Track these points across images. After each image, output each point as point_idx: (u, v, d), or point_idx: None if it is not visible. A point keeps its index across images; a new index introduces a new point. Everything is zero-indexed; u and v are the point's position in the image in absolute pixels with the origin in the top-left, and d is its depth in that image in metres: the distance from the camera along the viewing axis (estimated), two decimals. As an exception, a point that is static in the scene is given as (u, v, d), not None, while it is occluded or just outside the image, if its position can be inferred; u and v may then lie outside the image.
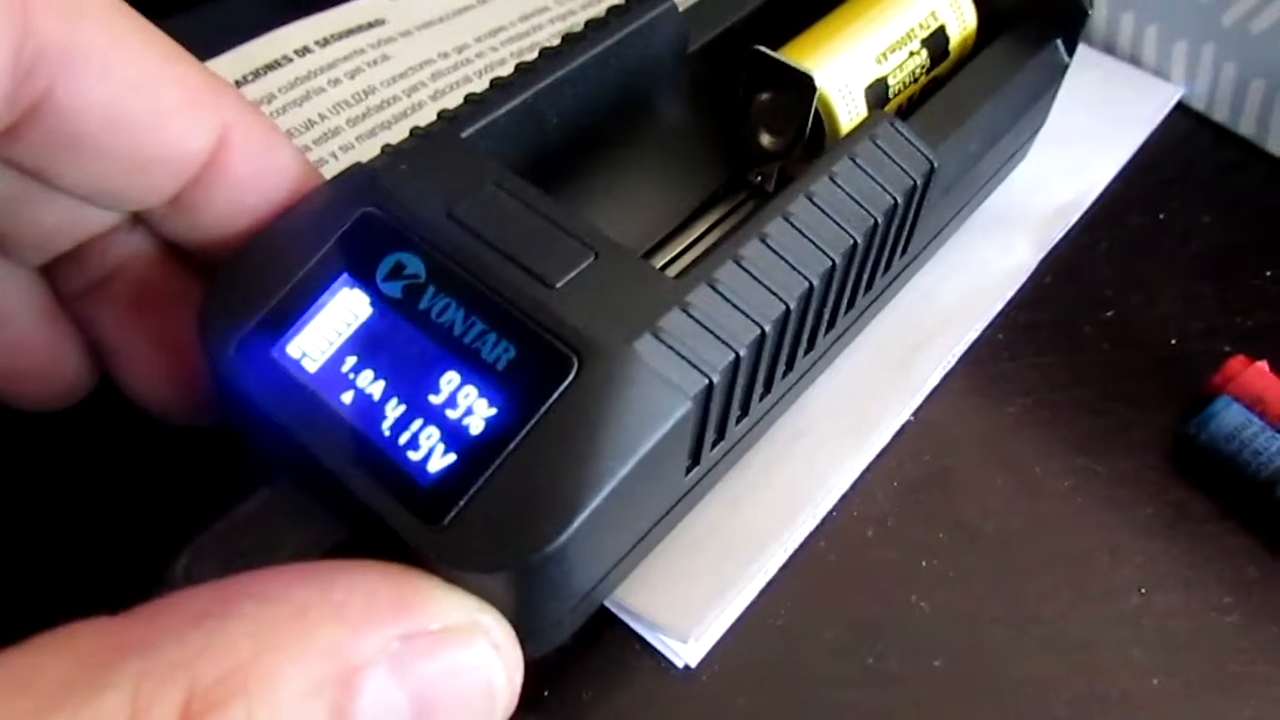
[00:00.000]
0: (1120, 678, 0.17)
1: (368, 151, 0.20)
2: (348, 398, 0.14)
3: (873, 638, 0.17)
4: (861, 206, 0.16)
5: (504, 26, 0.25)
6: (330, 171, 0.21)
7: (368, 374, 0.14)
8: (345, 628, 0.11)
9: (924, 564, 0.18)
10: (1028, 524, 0.19)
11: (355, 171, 0.15)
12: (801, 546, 0.18)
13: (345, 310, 0.14)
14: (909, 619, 0.17)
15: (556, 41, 0.18)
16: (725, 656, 0.17)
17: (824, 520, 0.18)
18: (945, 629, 0.17)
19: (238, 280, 0.14)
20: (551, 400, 0.13)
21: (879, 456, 0.19)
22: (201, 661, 0.10)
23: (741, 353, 0.14)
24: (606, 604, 0.17)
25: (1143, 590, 0.18)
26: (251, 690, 0.10)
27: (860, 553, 0.18)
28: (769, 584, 0.17)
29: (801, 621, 0.17)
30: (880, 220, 0.16)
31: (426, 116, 0.21)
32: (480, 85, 0.17)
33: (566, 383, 0.13)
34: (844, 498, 0.19)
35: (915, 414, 0.20)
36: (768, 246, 0.15)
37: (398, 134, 0.22)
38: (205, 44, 0.23)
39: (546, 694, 0.16)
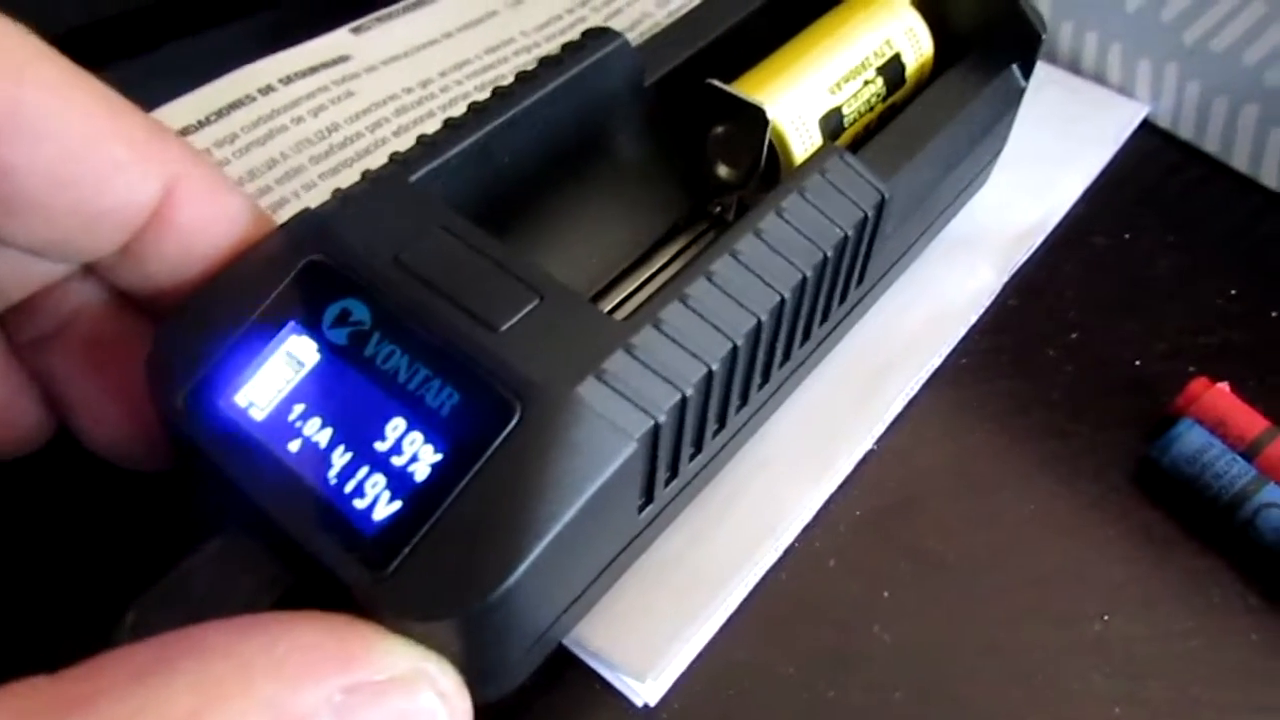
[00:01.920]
0: (1083, 706, 0.17)
1: (331, 189, 0.20)
2: (294, 446, 0.14)
3: (834, 671, 0.17)
4: (811, 241, 0.16)
5: (469, 60, 0.26)
6: (293, 209, 0.21)
7: (315, 422, 0.14)
8: (287, 682, 0.11)
9: (886, 594, 0.18)
10: (991, 551, 0.19)
11: (304, 217, 0.15)
12: (763, 579, 0.18)
13: (292, 358, 0.14)
14: (871, 651, 0.17)
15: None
16: (685, 693, 0.17)
17: (787, 552, 0.18)
18: (907, 660, 0.17)
19: (186, 330, 0.14)
20: (495, 446, 0.13)
21: (843, 485, 0.19)
22: (142, 719, 0.10)
23: (688, 392, 0.14)
24: (565, 643, 0.17)
25: (1105, 616, 0.18)
26: None
27: (823, 584, 0.18)
28: (730, 618, 0.17)
29: (763, 655, 0.17)
30: (830, 254, 0.16)
31: (389, 153, 0.21)
32: (444, 120, 0.17)
33: (509, 428, 0.13)
34: (807, 528, 0.19)
35: (879, 442, 0.20)
36: (714, 285, 0.15)
37: (360, 170, 0.22)
38: (169, 83, 0.23)
39: (506, 735, 0.16)
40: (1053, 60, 0.27)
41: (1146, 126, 0.26)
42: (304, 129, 0.23)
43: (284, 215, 0.16)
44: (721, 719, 0.16)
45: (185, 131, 0.22)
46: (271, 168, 0.22)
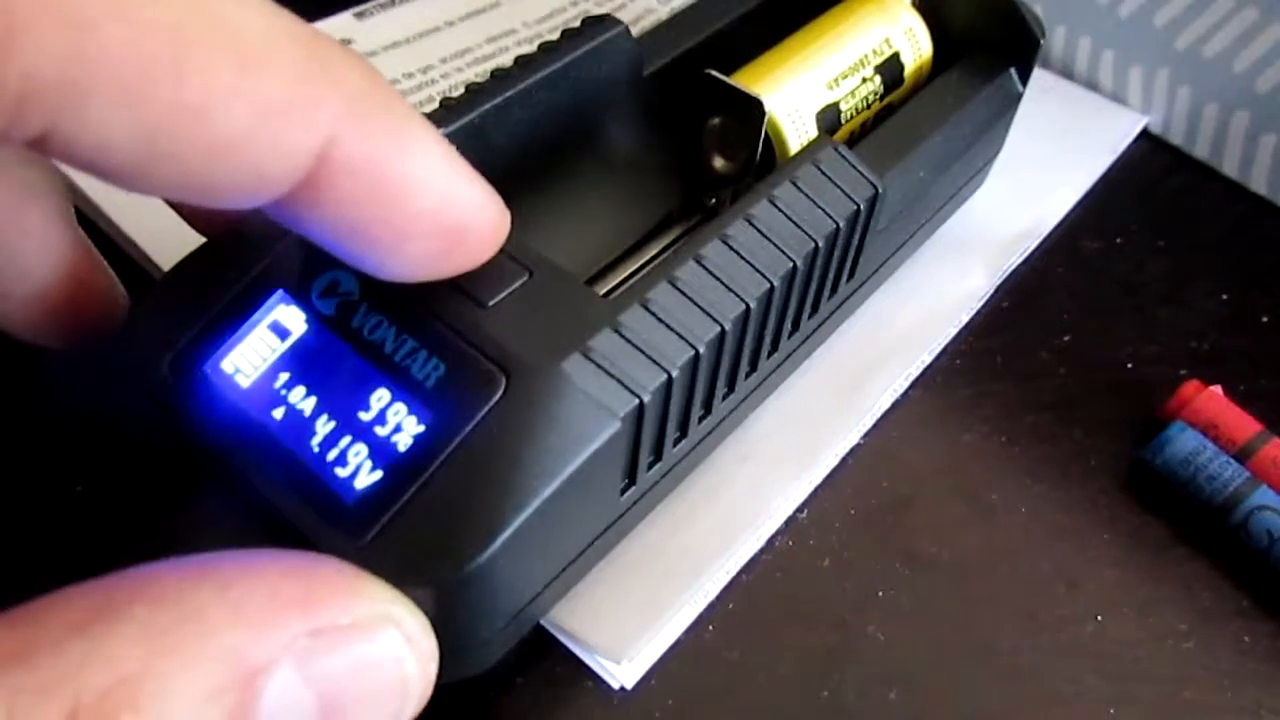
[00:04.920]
0: (1075, 707, 0.17)
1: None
2: (278, 414, 0.14)
3: (827, 669, 0.17)
4: (802, 230, 0.16)
5: (470, 48, 0.26)
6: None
7: (299, 390, 0.14)
8: (245, 629, 0.10)
9: (880, 594, 0.18)
10: (984, 553, 0.19)
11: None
12: (757, 577, 0.18)
13: (280, 327, 0.14)
14: (864, 650, 0.17)
15: (520, 64, 0.18)
16: (676, 688, 0.16)
17: (781, 550, 0.18)
18: (901, 660, 0.17)
19: (172, 296, 0.14)
20: (478, 418, 0.13)
21: (836, 485, 0.19)
22: (86, 673, 0.09)
23: (674, 374, 0.14)
24: (543, 623, 0.17)
25: (1098, 618, 0.18)
26: (141, 703, 0.09)
27: (816, 583, 0.18)
28: (724, 615, 0.17)
29: (756, 653, 0.17)
30: (821, 244, 0.16)
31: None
32: (440, 100, 0.17)
33: (493, 401, 0.13)
34: (800, 527, 0.19)
35: (873, 441, 0.20)
36: (704, 268, 0.15)
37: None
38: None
39: (485, 713, 0.16)
40: (1046, 65, 0.27)
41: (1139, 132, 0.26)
42: (303, 111, 0.23)
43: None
44: (712, 716, 0.16)
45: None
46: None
